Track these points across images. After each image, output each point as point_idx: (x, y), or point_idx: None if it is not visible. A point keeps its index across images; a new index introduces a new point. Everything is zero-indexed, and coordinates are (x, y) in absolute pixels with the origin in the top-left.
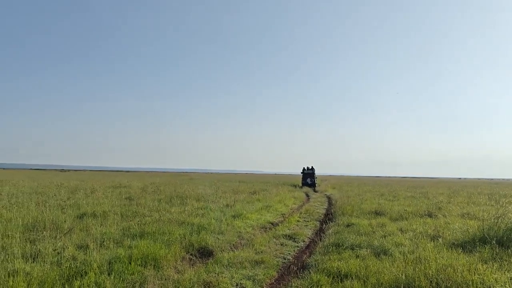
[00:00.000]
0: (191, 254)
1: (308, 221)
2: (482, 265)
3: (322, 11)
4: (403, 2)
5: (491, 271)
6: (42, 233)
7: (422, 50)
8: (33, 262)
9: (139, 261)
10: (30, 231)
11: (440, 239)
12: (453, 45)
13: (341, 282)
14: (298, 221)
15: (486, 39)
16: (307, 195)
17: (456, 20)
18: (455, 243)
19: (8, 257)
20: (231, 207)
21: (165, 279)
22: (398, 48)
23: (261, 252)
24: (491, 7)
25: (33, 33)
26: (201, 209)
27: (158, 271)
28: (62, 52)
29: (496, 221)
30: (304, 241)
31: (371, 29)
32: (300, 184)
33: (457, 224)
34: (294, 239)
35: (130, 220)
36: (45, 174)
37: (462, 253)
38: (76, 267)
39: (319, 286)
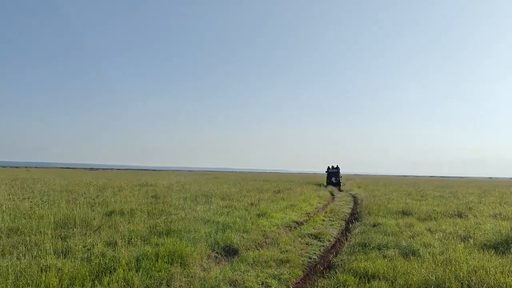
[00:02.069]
0: (216, 252)
1: (333, 221)
2: None
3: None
4: None
5: None
6: (73, 230)
7: (443, 46)
8: (64, 258)
9: (165, 258)
10: (61, 228)
11: (471, 240)
12: (483, 40)
13: (368, 282)
14: (323, 220)
15: None
16: (332, 194)
17: (492, 15)
18: (487, 244)
19: (41, 253)
20: (255, 206)
21: (192, 277)
22: (419, 45)
23: (286, 251)
24: None
25: (66, 39)
26: (226, 207)
27: (185, 268)
28: (87, 57)
29: None
30: (329, 241)
31: (400, 25)
32: (325, 183)
33: (488, 224)
34: (320, 238)
35: (157, 218)
36: (75, 173)
37: (494, 254)
38: (105, 263)
39: (346, 286)
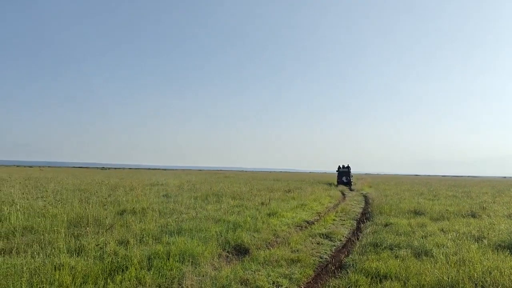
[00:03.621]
0: (227, 252)
1: (344, 220)
2: None
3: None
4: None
5: None
6: (85, 228)
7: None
8: (77, 256)
9: (177, 257)
10: (74, 226)
11: (485, 241)
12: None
13: (380, 282)
14: (334, 220)
15: None
16: (343, 194)
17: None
18: (501, 244)
19: (54, 251)
20: (266, 205)
21: (203, 276)
22: (434, 44)
23: (297, 250)
24: None
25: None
26: (237, 207)
27: (196, 267)
28: (96, 58)
29: None
30: (340, 240)
31: (413, 25)
32: (336, 183)
33: (503, 225)
34: (331, 238)
35: (168, 217)
36: (87, 172)
37: (509, 255)
38: (118, 262)
39: (358, 287)
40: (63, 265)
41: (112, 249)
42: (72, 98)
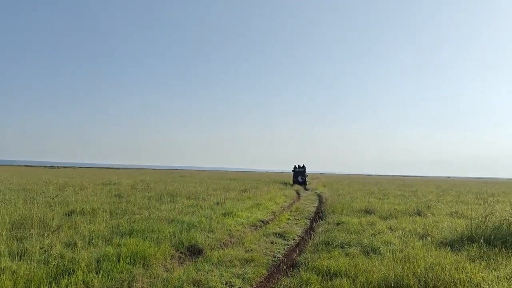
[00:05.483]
0: (180, 252)
1: (298, 219)
2: (470, 263)
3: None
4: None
5: (478, 270)
6: (30, 231)
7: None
8: (20, 260)
9: (128, 259)
10: (17, 228)
11: (429, 238)
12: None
13: (330, 280)
14: (288, 219)
15: (488, 39)
16: (298, 193)
17: (460, 20)
18: (444, 241)
19: None
20: (221, 205)
21: (154, 278)
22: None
23: (251, 250)
24: (493, 7)
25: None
26: (192, 207)
27: (147, 269)
28: (49, 56)
29: (484, 220)
30: (294, 239)
31: (372, 31)
32: (291, 182)
33: (445, 223)
34: (284, 237)
35: (120, 218)
36: (34, 171)
37: (450, 251)
38: (64, 265)
39: (309, 285)
40: (3, 270)
41: (58, 252)
42: (15, 93)
